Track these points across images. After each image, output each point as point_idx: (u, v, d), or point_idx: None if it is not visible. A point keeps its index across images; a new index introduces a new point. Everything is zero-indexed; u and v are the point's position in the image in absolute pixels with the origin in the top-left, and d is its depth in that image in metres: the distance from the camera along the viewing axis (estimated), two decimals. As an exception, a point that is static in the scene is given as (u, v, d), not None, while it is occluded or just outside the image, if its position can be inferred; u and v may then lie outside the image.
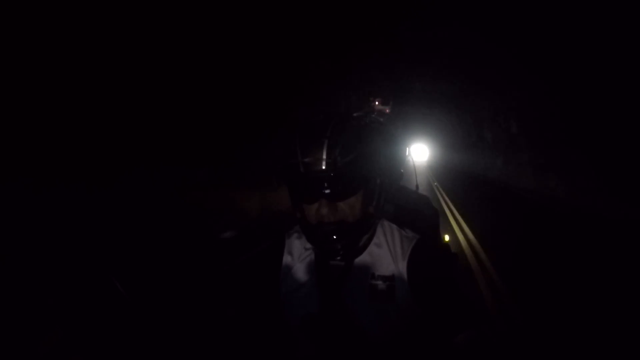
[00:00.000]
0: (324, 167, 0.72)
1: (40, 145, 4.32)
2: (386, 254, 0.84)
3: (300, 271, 0.87)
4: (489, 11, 6.66)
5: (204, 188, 6.66)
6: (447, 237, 1.40)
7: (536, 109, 9.22)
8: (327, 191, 0.75)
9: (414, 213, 1.08)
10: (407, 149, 1.38)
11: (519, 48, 7.65)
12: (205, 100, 7.06)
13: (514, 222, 7.12)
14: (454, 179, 16.25)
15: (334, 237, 0.77)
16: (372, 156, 0.79)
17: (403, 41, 8.36)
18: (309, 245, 0.89)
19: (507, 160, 12.65)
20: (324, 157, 0.72)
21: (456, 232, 6.07)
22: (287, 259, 0.89)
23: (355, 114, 1.32)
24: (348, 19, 7.17)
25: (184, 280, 3.06)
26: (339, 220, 0.77)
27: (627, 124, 6.20)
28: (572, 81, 7.17)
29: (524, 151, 10.84)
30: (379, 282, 0.81)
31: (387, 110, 1.38)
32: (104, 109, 5.16)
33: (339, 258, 0.83)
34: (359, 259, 0.84)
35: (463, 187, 12.80)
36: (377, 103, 1.38)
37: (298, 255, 0.89)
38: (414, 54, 9.16)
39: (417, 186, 1.31)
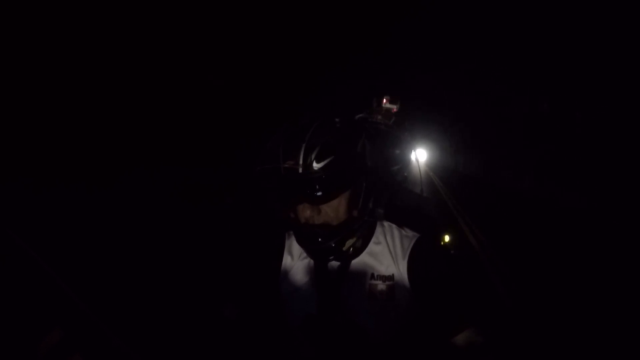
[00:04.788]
0: (300, 171, 0.73)
1: (40, 145, 4.32)
2: (386, 254, 0.83)
3: (299, 271, 0.86)
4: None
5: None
6: (447, 238, 1.39)
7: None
8: (307, 194, 0.75)
9: (414, 212, 1.08)
10: (413, 152, 1.36)
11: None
12: (205, 100, 7.05)
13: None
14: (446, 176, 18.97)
15: (319, 239, 0.77)
16: (356, 159, 0.78)
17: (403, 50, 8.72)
18: None
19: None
20: (300, 161, 0.72)
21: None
22: (287, 259, 0.88)
23: (357, 116, 1.31)
24: (349, 22, 7.17)
25: (183, 280, 3.05)
26: (323, 223, 0.77)
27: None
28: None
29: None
30: (379, 282, 0.80)
31: (395, 110, 1.37)
32: (104, 109, 5.15)
33: (332, 258, 0.83)
34: (358, 260, 0.84)
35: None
36: (385, 101, 1.37)
37: (298, 255, 0.88)
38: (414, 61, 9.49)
39: (422, 190, 1.30)
